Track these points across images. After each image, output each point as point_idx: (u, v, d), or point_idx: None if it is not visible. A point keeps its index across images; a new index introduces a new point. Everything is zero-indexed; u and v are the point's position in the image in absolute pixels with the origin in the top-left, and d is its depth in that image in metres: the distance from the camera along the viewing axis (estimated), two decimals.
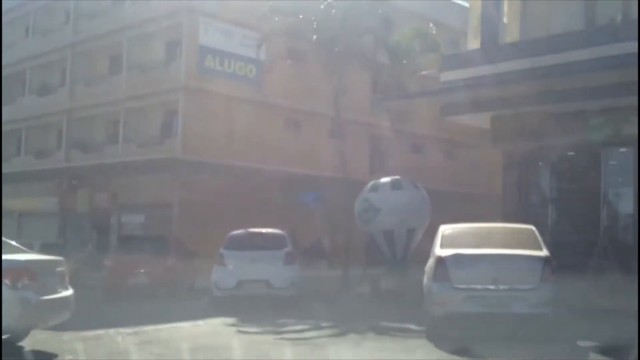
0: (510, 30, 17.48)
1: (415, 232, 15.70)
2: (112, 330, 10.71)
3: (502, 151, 16.99)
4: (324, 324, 11.58)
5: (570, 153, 16.96)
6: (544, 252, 9.90)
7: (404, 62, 20.15)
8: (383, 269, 16.00)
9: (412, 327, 11.01)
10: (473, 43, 17.83)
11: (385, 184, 16.24)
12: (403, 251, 15.63)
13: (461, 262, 9.82)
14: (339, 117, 20.31)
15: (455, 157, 34.42)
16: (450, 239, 10.50)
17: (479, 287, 9.63)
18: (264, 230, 15.48)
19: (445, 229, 10.86)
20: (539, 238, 10.30)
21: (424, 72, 20.05)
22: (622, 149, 16.19)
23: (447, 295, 9.74)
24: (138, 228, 27.38)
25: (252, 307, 13.58)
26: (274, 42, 22.53)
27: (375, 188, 16.16)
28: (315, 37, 18.97)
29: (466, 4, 23.37)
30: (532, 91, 15.35)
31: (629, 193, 15.70)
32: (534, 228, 10.66)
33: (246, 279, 14.29)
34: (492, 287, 9.57)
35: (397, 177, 16.60)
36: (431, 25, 21.62)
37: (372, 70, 22.21)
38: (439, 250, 10.18)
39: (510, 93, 15.66)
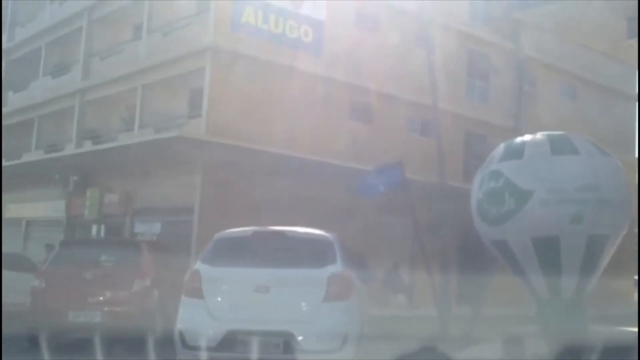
0: None
1: (607, 243, 7.56)
2: None
3: None
4: None
5: None
6: None
7: None
8: (535, 316, 8.00)
9: None
10: None
11: (539, 143, 7.95)
12: (577, 282, 7.46)
13: None
14: (435, 103, 15.14)
15: None
16: None
17: None
18: (288, 229, 7.63)
19: None
20: None
21: None
22: None
23: None
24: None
25: None
26: None
27: (516, 152, 7.77)
28: None
29: None
30: None
31: None
32: None
33: (244, 327, 6.83)
34: None
35: (559, 132, 8.57)
36: None
37: None
38: None
39: None
